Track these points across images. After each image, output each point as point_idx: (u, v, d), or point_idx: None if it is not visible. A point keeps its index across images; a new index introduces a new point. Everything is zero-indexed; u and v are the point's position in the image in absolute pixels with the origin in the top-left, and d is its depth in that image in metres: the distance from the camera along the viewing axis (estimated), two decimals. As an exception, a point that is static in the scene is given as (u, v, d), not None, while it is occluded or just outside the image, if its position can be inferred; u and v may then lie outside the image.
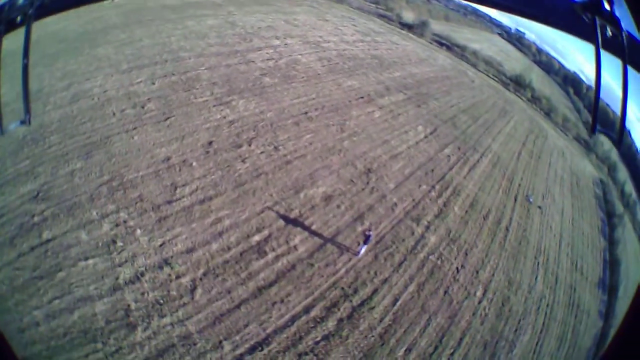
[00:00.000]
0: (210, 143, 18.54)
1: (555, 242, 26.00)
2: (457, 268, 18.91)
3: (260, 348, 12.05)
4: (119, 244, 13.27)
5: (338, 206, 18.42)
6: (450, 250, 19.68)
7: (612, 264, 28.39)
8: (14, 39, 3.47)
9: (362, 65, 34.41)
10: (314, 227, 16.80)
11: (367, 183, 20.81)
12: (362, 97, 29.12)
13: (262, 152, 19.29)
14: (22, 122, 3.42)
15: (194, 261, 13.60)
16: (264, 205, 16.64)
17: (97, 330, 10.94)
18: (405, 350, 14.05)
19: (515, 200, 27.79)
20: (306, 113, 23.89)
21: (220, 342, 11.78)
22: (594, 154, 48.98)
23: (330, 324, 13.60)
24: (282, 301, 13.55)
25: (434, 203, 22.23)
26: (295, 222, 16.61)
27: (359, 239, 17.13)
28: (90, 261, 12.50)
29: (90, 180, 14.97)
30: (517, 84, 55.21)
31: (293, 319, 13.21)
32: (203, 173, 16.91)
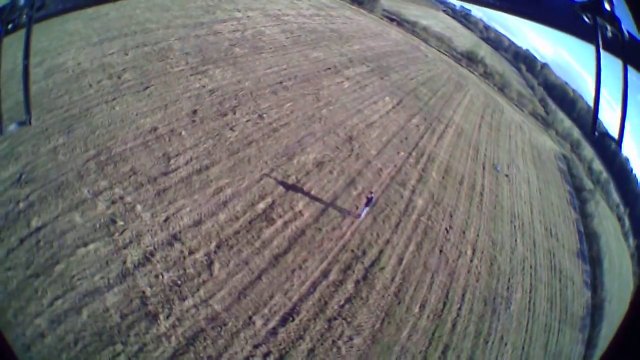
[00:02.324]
0: (194, 112, 16.88)
1: (527, 208, 26.90)
2: (446, 229, 18.99)
3: (291, 319, 11.25)
4: (120, 223, 11.48)
5: (330, 172, 17.73)
6: (437, 213, 19.75)
7: (589, 236, 29.59)
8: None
9: (323, 38, 33.62)
10: (313, 193, 16.06)
11: (352, 150, 20.15)
12: (329, 69, 28.42)
13: (248, 120, 17.97)
14: (22, 123, 2.90)
15: (204, 234, 12.28)
16: (261, 172, 15.49)
17: (114, 329, 9.23)
18: (420, 307, 13.96)
19: (484, 168, 28.50)
20: (281, 82, 22.86)
21: (251, 317, 10.75)
22: (554, 130, 51.08)
23: (349, 286, 13.14)
24: (300, 268, 12.81)
25: (413, 169, 22.19)
26: (294, 188, 15.75)
27: (356, 202, 16.74)
28: (91, 247, 10.59)
29: (76, 156, 12.89)
30: (469, 59, 56.48)
31: (314, 285, 12.57)
32: (194, 142, 15.24)
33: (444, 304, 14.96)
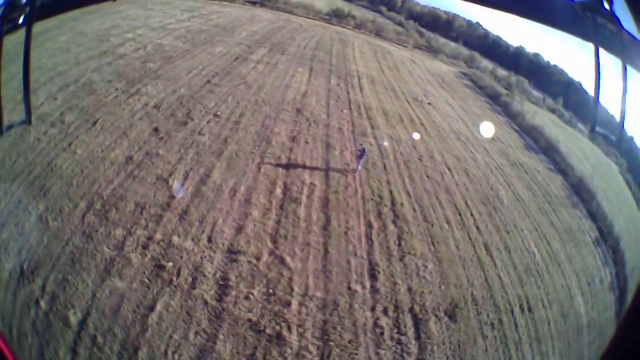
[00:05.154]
0: (156, 130, 15.01)
1: (462, 124, 28.10)
2: (418, 158, 19.71)
3: (377, 272, 10.89)
4: (169, 265, 9.62)
5: (306, 142, 17.23)
6: (403, 148, 20.28)
7: (529, 132, 29.31)
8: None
9: (212, 34, 32.03)
10: (307, 164, 15.51)
11: (307, 119, 19.50)
12: (237, 58, 27.34)
13: (209, 122, 16.49)
14: (23, 122, 2.53)
15: (252, 236, 11.03)
16: (255, 163, 14.39)
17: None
18: (447, 223, 14.68)
19: (409, 102, 29.55)
20: (209, 81, 21.48)
21: (350, 288, 10.16)
22: (443, 54, 51.98)
23: (391, 227, 13.23)
24: (348, 228, 12.50)
25: (362, 119, 22.42)
26: (291, 166, 15.07)
27: (342, 160, 16.78)
28: (158, 307, 8.59)
29: (68, 217, 10.53)
30: (337, 17, 57.02)
31: (368, 237, 12.38)
32: (177, 157, 13.23)
33: (459, 214, 15.51)
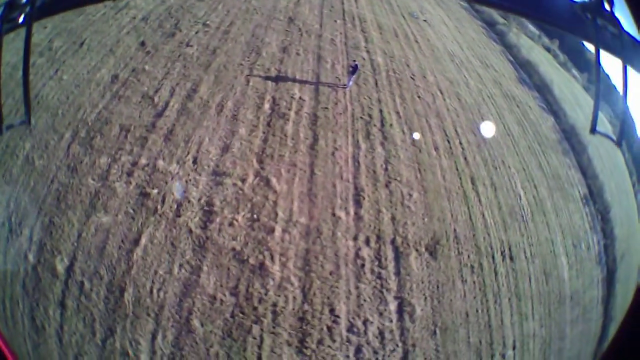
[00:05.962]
0: (143, 43, 13.32)
1: (457, 46, 25.92)
2: (411, 77, 17.86)
3: (362, 198, 10.35)
4: (153, 192, 8.78)
5: (297, 53, 15.76)
6: (396, 65, 18.62)
7: (523, 65, 27.09)
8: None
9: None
10: (297, 77, 14.27)
11: (300, 29, 17.66)
12: (228, -37, 25.01)
13: (197, 32, 14.88)
14: (23, 122, 1.48)
15: (239, 156, 10.24)
16: (244, 75, 13.16)
17: (234, 309, 7.41)
18: (435, 150, 13.81)
19: (404, 17, 27.22)
20: (199, -12, 19.77)
21: (334, 214, 9.70)
22: None
23: (379, 149, 12.50)
24: (335, 149, 11.78)
25: (355, 30, 20.59)
26: (281, 79, 13.82)
27: (334, 74, 15.72)
28: (143, 240, 7.97)
29: (53, 151, 9.47)
30: None
31: (355, 159, 11.72)
32: (164, 72, 11.86)
33: (448, 141, 14.52)
